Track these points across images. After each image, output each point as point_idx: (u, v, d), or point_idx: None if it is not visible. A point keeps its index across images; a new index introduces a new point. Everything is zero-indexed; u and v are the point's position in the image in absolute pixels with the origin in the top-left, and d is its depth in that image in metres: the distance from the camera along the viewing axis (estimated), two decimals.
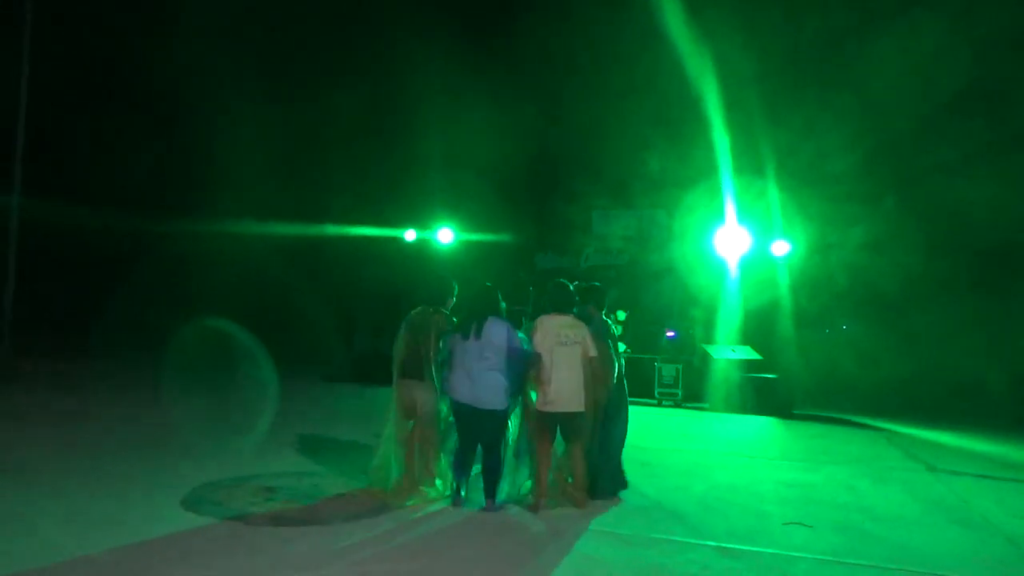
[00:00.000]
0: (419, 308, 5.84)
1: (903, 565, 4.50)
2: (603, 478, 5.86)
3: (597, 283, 6.48)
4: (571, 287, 5.87)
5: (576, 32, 20.89)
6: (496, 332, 5.39)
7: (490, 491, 5.40)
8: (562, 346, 5.51)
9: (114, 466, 6.07)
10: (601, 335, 5.83)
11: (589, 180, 17.71)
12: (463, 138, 19.55)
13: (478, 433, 5.43)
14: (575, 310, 5.81)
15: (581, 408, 5.51)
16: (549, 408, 5.47)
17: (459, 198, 18.29)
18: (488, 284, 5.68)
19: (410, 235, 17.65)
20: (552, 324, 5.61)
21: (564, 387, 5.46)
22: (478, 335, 5.37)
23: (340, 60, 23.39)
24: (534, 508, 5.41)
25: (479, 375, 5.32)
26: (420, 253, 17.56)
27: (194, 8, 22.83)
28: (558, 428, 5.62)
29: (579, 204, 17.35)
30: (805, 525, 5.30)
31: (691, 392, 13.14)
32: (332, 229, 19.92)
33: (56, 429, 7.74)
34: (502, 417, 5.47)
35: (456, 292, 6.05)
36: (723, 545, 4.71)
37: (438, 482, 5.67)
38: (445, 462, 5.73)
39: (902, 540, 5.07)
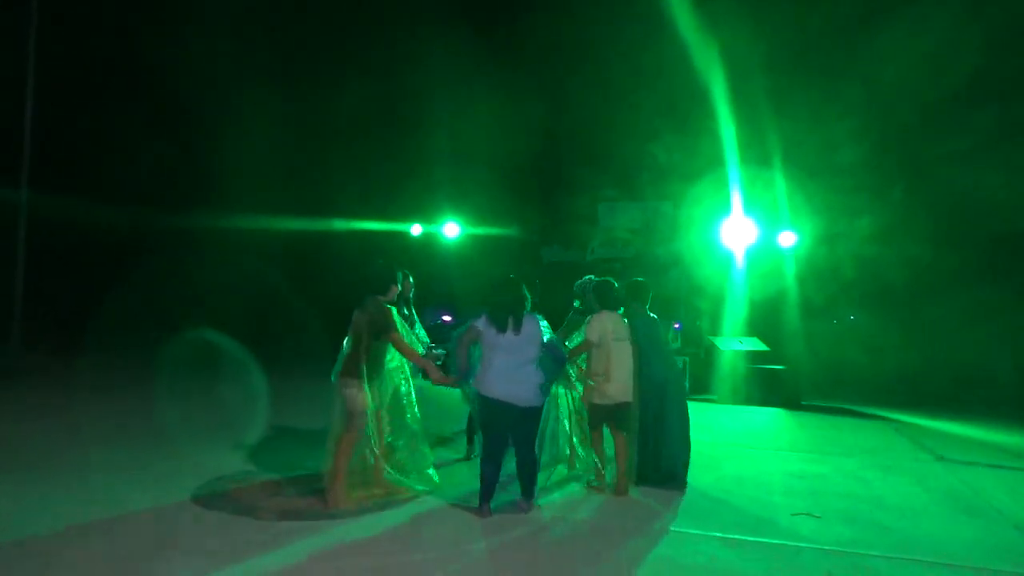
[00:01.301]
0: (366, 299, 5.42)
1: (912, 555, 4.49)
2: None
3: (640, 279, 6.50)
4: (616, 285, 6.11)
5: (581, 24, 20.82)
6: (534, 328, 5.18)
7: (528, 490, 5.20)
8: (618, 341, 5.80)
9: (121, 461, 6.11)
10: (639, 331, 6.06)
11: (595, 173, 17.68)
12: (469, 132, 19.55)
13: (513, 430, 5.13)
14: (620, 308, 6.10)
15: (631, 399, 5.83)
16: (607, 400, 5.72)
17: (465, 192, 18.31)
18: (511, 276, 5.36)
19: (416, 229, 17.68)
20: (607, 321, 5.84)
21: (622, 380, 5.76)
22: (517, 329, 5.10)
23: (345, 55, 23.38)
24: (599, 489, 5.78)
25: (517, 372, 5.06)
26: (426, 247, 17.60)
27: (198, 4, 22.86)
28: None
29: (585, 197, 17.32)
30: (813, 516, 5.29)
31: (698, 384, 13.12)
32: (339, 223, 19.96)
33: (64, 426, 7.78)
34: (540, 414, 5.35)
35: (400, 279, 5.71)
36: (730, 536, 4.71)
37: (411, 479, 5.43)
38: (418, 454, 5.56)
39: (911, 530, 5.06)
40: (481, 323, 5.16)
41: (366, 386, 5.24)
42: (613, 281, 6.11)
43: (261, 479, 5.68)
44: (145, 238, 21.95)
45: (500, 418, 5.09)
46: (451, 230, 17.30)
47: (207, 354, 12.88)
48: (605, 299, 5.97)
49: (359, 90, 21.43)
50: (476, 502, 5.10)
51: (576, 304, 6.67)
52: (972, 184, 16.47)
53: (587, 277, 6.58)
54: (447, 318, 14.71)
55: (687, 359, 13.17)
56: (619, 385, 5.74)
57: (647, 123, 17.61)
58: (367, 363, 5.26)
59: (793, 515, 5.31)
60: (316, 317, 18.83)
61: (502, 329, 5.09)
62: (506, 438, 5.17)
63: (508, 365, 5.06)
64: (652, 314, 6.29)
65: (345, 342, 5.44)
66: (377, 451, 5.36)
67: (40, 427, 7.66)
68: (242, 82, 21.47)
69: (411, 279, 6.64)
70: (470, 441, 7.00)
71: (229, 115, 21.45)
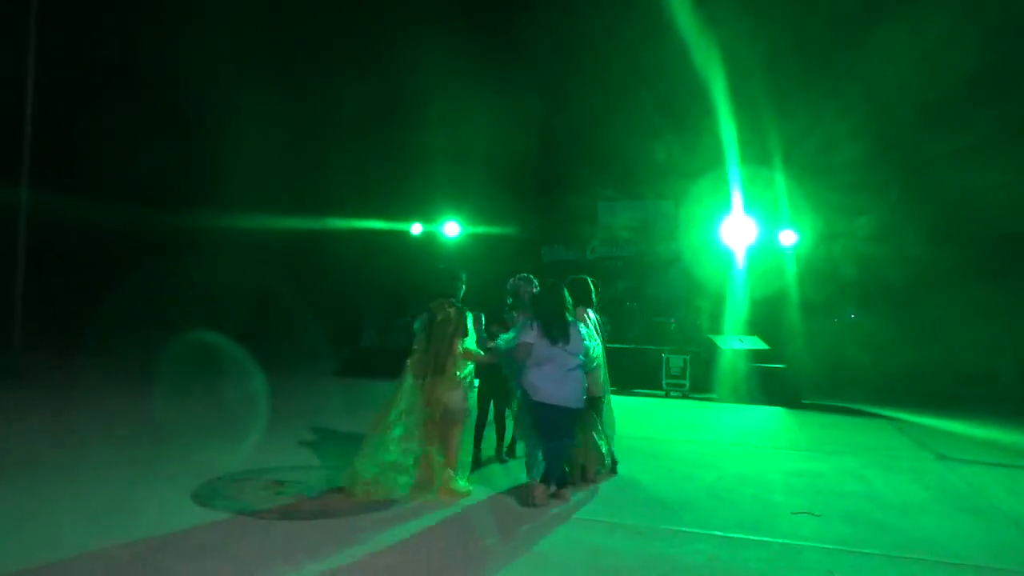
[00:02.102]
0: (436, 302, 5.71)
1: (912, 553, 4.49)
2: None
3: (590, 278, 6.56)
4: (590, 282, 6.33)
5: (581, 23, 20.81)
6: (579, 336, 5.49)
7: (548, 480, 5.38)
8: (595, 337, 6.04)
9: (123, 461, 6.11)
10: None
11: (595, 171, 17.69)
12: (469, 131, 19.54)
13: (557, 430, 5.37)
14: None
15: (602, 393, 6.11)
16: (588, 395, 5.83)
17: (465, 191, 18.30)
18: (551, 282, 5.68)
19: (416, 228, 17.70)
20: (586, 318, 6.08)
21: (599, 374, 6.04)
22: (567, 341, 5.38)
23: (345, 54, 23.36)
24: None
25: (567, 377, 5.37)
26: (426, 246, 17.60)
27: (198, 4, 22.85)
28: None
29: (585, 195, 17.33)
30: (814, 515, 5.29)
31: (699, 383, 13.11)
32: (339, 223, 19.97)
33: (66, 425, 7.80)
34: (580, 415, 5.60)
35: (465, 282, 5.96)
36: (731, 535, 4.70)
37: (461, 483, 5.53)
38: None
39: (911, 528, 5.05)
40: (533, 335, 5.38)
41: (463, 384, 5.62)
42: (588, 279, 6.36)
43: (262, 479, 5.68)
44: (145, 238, 21.95)
45: (548, 420, 5.33)
46: (451, 229, 17.30)
47: (207, 354, 12.89)
48: (583, 297, 6.16)
49: (359, 90, 21.42)
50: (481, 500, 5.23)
51: (509, 302, 6.80)
52: (973, 183, 16.46)
53: (523, 275, 6.68)
54: None
55: (687, 358, 13.17)
56: (598, 378, 5.99)
57: (647, 122, 17.62)
58: (456, 362, 5.55)
59: (794, 514, 5.31)
60: (316, 316, 18.85)
61: (555, 341, 5.35)
62: (548, 438, 5.38)
63: (559, 372, 5.34)
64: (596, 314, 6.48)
65: (425, 346, 5.60)
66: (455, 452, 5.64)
67: (40, 426, 7.68)
68: (242, 82, 21.47)
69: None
70: (476, 445, 6.93)
71: (229, 115, 21.46)
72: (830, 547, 4.55)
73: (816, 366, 15.53)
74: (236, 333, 13.17)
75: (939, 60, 16.10)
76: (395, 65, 23.31)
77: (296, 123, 22.76)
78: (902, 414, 11.50)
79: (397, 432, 5.43)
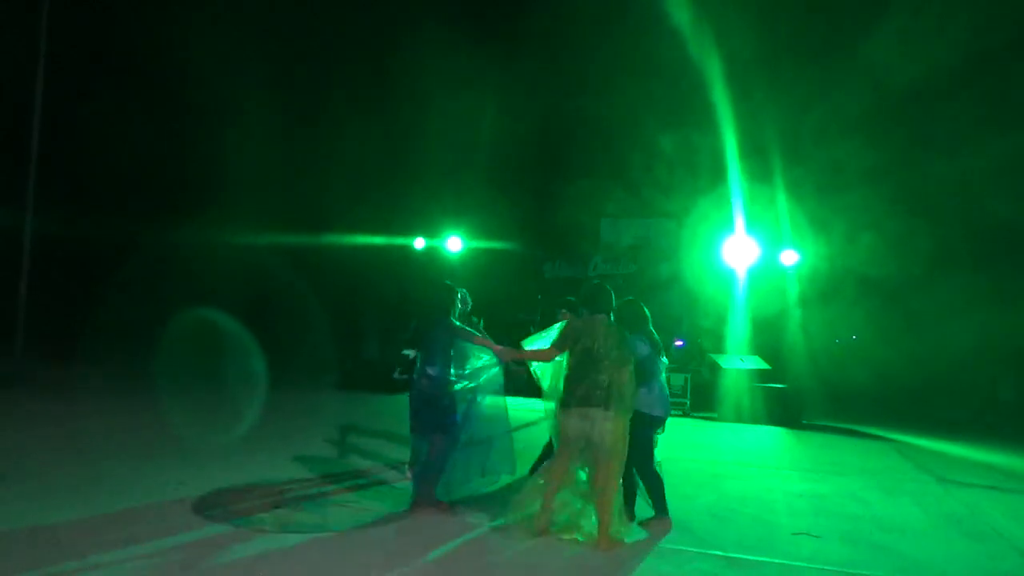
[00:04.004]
0: (596, 318, 4.97)
1: None
2: None
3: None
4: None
5: (586, 43, 20.99)
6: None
7: (661, 504, 5.35)
8: None
9: (123, 471, 6.11)
10: None
11: (598, 189, 17.78)
12: (473, 147, 19.66)
13: (652, 447, 5.42)
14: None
15: None
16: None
17: (468, 206, 18.40)
18: (630, 297, 5.69)
19: (419, 243, 17.77)
20: None
21: None
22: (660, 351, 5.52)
23: (350, 69, 23.54)
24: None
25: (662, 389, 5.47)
26: (429, 260, 17.66)
27: (199, 11, 23.03)
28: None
29: (588, 213, 17.40)
30: (814, 536, 5.28)
31: (700, 402, 13.10)
32: (341, 237, 20.06)
33: (66, 434, 7.80)
34: None
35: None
36: (731, 555, 4.70)
37: (622, 529, 4.82)
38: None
39: (911, 552, 5.04)
40: (646, 349, 5.29)
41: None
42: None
43: (261, 492, 5.67)
44: (147, 249, 22.02)
45: (653, 434, 5.36)
46: (454, 244, 17.37)
47: (207, 365, 12.90)
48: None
49: (364, 105, 21.58)
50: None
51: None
52: (979, 205, 16.53)
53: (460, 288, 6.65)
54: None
55: (689, 376, 13.16)
56: None
57: (651, 141, 17.73)
58: (631, 390, 4.99)
59: (794, 535, 5.30)
60: (318, 329, 18.86)
61: (660, 353, 5.42)
62: None
63: (657, 384, 5.37)
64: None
65: (568, 365, 4.97)
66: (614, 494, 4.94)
67: (41, 435, 7.68)
68: (245, 95, 21.60)
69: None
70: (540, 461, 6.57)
71: (232, 128, 21.57)
72: (829, 569, 4.54)
73: (817, 386, 15.51)
74: (237, 345, 13.18)
75: (943, 82, 16.21)
76: (400, 81, 23.48)
77: (299, 137, 22.91)
78: (902, 436, 11.48)
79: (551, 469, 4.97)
